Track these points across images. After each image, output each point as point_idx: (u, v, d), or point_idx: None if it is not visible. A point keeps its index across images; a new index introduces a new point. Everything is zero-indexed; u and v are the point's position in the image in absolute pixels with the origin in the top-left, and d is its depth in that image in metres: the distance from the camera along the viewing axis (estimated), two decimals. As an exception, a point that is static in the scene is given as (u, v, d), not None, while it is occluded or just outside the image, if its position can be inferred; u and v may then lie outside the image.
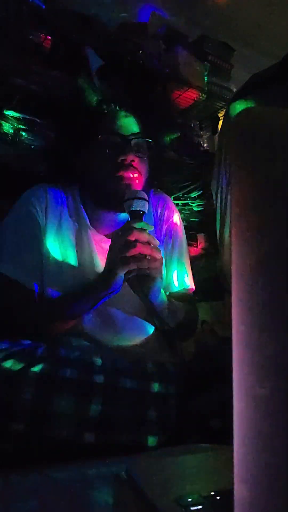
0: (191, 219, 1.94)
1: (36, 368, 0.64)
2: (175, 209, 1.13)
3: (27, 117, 1.46)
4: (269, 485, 0.24)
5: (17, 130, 1.46)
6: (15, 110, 1.44)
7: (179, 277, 1.07)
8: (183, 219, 1.95)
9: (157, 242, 0.83)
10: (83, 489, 0.49)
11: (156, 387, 0.70)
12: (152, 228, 0.85)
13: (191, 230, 1.94)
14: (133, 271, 0.81)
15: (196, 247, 1.94)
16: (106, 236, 1.01)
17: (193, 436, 0.69)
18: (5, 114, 1.43)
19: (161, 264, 0.83)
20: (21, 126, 1.46)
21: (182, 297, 1.05)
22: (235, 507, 0.25)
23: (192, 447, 0.66)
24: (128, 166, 0.93)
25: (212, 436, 0.66)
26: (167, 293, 1.01)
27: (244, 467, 0.25)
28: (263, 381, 0.24)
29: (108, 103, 0.99)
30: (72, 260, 0.95)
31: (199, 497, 0.42)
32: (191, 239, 1.94)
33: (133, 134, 0.96)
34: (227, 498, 0.38)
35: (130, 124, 0.98)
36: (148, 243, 0.80)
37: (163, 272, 1.00)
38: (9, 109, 1.44)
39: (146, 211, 0.87)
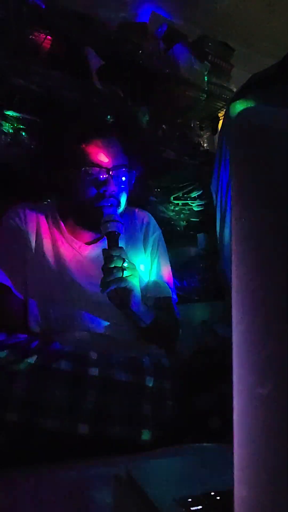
0: (191, 219, 1.94)
1: (31, 360, 0.66)
2: (156, 224, 1.21)
3: (27, 117, 1.46)
4: (269, 485, 0.24)
5: (17, 130, 1.46)
6: (15, 110, 1.44)
7: (160, 286, 1.12)
8: (183, 219, 1.97)
9: (133, 264, 0.93)
10: (83, 489, 0.49)
11: (151, 381, 0.71)
12: (122, 249, 0.93)
13: (191, 230, 1.94)
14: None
15: (196, 247, 1.94)
16: (86, 243, 1.07)
17: (192, 435, 0.69)
18: (5, 114, 1.43)
19: (136, 277, 0.91)
20: (21, 126, 1.46)
21: (160, 304, 1.09)
22: (235, 507, 0.25)
23: (192, 447, 0.66)
24: (108, 197, 0.97)
25: (210, 435, 0.67)
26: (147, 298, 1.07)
27: (244, 467, 0.25)
28: (263, 381, 0.24)
29: (93, 133, 1.01)
30: (50, 267, 1.01)
31: (199, 497, 0.42)
32: (191, 239, 1.94)
33: (115, 166, 0.99)
34: (227, 498, 0.38)
35: (113, 154, 1.00)
36: (124, 265, 0.89)
37: (145, 278, 1.09)
38: (9, 109, 1.44)
39: (121, 232, 0.94)
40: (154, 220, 1.21)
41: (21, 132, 1.47)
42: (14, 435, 0.61)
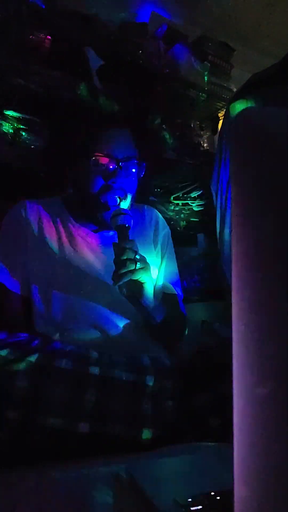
0: (191, 219, 1.94)
1: (32, 358, 0.66)
2: (165, 222, 1.21)
3: (27, 117, 1.47)
4: (269, 485, 0.24)
5: (17, 130, 1.46)
6: (15, 110, 1.44)
7: (168, 283, 1.12)
8: (183, 219, 1.97)
9: (144, 257, 0.90)
10: (83, 489, 0.49)
11: (151, 380, 0.71)
12: (133, 242, 0.91)
13: (191, 230, 1.94)
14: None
15: (196, 247, 1.94)
16: (94, 231, 1.05)
17: (192, 434, 0.69)
18: (5, 114, 1.43)
19: (148, 270, 0.90)
20: (21, 126, 1.47)
21: (168, 302, 1.08)
22: (235, 507, 0.25)
23: (192, 446, 0.66)
24: (116, 189, 0.96)
25: (210, 434, 0.67)
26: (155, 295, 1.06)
27: (244, 467, 0.25)
28: (263, 381, 0.24)
29: (104, 123, 1.01)
30: (55, 256, 1.00)
31: (199, 497, 0.42)
32: (191, 239, 1.93)
33: (124, 157, 0.98)
34: (227, 498, 0.38)
35: (123, 145, 0.99)
36: (136, 257, 0.87)
37: (155, 275, 1.07)
38: (9, 109, 1.44)
39: (131, 225, 0.93)
40: (163, 218, 1.20)
41: (21, 132, 1.47)
42: (15, 433, 0.61)
